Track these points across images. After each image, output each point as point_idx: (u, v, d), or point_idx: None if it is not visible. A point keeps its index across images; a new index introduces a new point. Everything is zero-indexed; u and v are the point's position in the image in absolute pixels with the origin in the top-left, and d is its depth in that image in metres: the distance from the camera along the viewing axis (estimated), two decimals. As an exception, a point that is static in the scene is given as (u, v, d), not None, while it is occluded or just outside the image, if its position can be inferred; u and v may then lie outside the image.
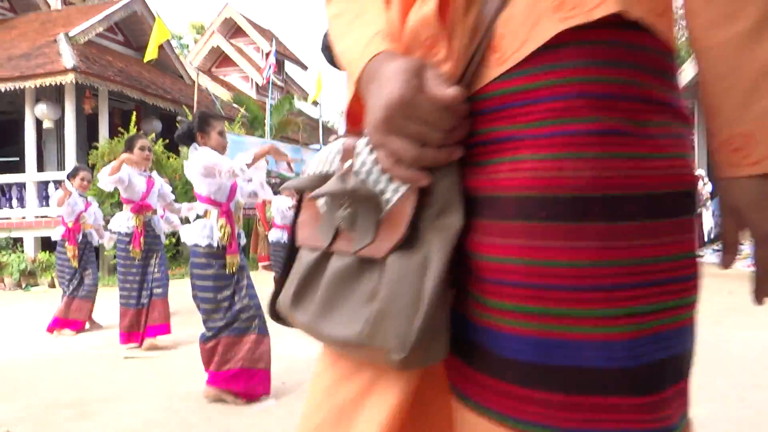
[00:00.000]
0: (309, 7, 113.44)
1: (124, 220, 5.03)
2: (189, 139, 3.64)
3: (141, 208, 5.00)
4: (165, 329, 5.01)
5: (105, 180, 4.83)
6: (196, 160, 3.53)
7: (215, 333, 3.47)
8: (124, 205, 5.12)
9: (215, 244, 3.52)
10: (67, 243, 5.91)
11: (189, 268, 3.66)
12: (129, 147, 5.13)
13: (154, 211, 5.17)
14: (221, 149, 3.61)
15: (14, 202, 12.01)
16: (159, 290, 5.03)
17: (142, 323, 4.95)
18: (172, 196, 5.55)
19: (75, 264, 5.89)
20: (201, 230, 3.53)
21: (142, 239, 4.96)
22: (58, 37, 12.43)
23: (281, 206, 7.66)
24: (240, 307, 3.50)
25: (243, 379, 3.43)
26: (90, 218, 6.16)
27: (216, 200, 3.62)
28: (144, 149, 5.12)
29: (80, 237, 6.00)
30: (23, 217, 11.70)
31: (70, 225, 5.96)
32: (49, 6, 17.13)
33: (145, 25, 15.29)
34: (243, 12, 24.53)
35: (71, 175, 6.24)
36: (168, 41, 15.18)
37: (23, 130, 12.32)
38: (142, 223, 4.98)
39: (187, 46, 46.31)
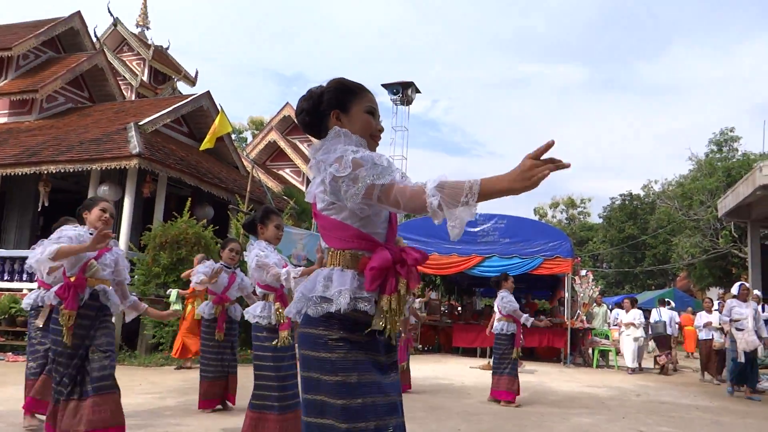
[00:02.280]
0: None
1: (208, 308, 5.81)
2: (252, 228, 4.37)
3: (221, 300, 5.77)
4: (233, 400, 5.85)
5: (197, 282, 5.76)
6: (252, 252, 4.15)
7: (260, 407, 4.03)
8: (208, 296, 5.93)
9: (273, 322, 4.12)
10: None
11: (253, 342, 4.23)
12: (223, 248, 6.00)
13: (232, 302, 5.88)
14: (275, 241, 4.33)
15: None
16: (233, 369, 5.86)
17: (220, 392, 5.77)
18: (251, 288, 5.88)
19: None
20: (261, 311, 4.17)
21: (225, 325, 5.76)
22: (128, 125, 13.31)
23: None
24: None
25: None
26: None
27: (272, 286, 4.16)
28: (233, 251, 5.91)
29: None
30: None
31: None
32: (124, 97, 18.49)
33: (209, 119, 16.22)
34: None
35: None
36: (228, 134, 16.04)
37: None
38: (222, 311, 5.75)
39: (246, 139, 48.80)
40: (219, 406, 5.78)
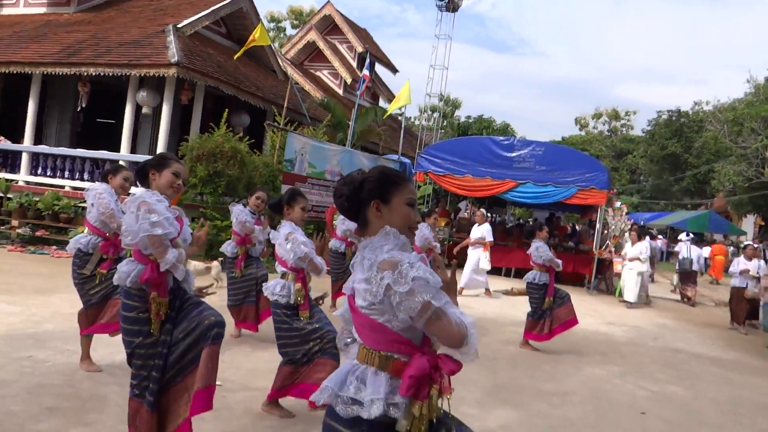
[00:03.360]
0: (405, 10, 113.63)
1: (231, 247, 6.20)
2: (278, 209, 4.32)
3: (243, 242, 6.14)
4: (253, 327, 6.21)
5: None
6: (283, 230, 4.22)
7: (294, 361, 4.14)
8: (232, 235, 6.26)
9: (292, 301, 4.16)
10: None
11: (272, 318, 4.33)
12: (251, 194, 6.33)
13: (253, 243, 6.25)
14: (301, 222, 4.32)
15: (107, 177, 12.81)
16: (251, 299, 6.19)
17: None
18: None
19: None
20: (281, 290, 4.18)
21: (242, 263, 6.18)
22: (166, 28, 13.13)
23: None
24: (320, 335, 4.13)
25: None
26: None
27: (295, 267, 4.21)
28: (259, 199, 6.20)
29: None
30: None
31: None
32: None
33: (247, 21, 15.91)
34: (342, 10, 24.97)
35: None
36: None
37: (123, 110, 13.10)
38: (243, 251, 6.16)
39: (284, 29, 47.66)
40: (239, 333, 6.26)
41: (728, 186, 28.96)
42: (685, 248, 14.49)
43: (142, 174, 3.32)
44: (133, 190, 4.96)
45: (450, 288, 1.89)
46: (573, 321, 7.04)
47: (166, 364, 3.13)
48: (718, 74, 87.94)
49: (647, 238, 16.34)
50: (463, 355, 1.76)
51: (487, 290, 11.55)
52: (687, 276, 14.13)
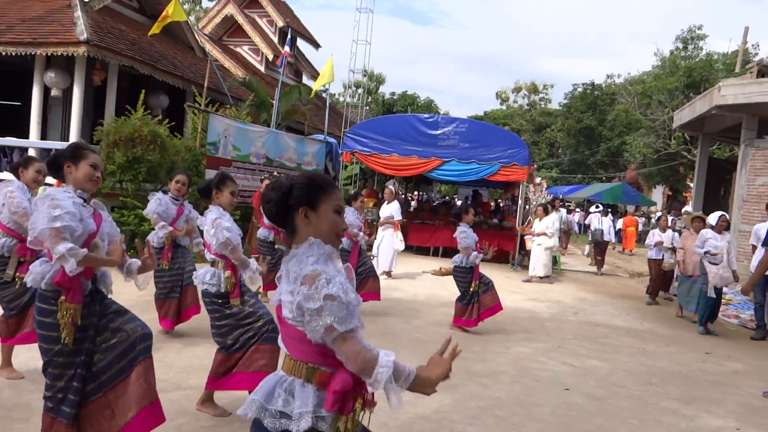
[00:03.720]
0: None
1: (157, 237, 5.93)
2: (206, 193, 4.24)
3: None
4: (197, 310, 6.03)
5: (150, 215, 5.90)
6: (209, 216, 4.13)
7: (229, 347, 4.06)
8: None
9: (222, 290, 4.12)
10: None
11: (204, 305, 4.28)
12: (170, 179, 6.06)
13: (180, 231, 6.06)
14: (230, 207, 4.24)
15: (15, 165, 12.06)
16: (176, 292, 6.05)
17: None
18: (197, 221, 5.97)
19: None
20: (210, 278, 4.13)
21: (170, 253, 5.95)
22: (73, 2, 12.36)
23: None
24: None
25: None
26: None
27: (223, 255, 4.14)
28: (179, 183, 5.96)
29: None
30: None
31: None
32: (66, -37, 16.94)
33: (161, -6, 15.19)
34: (261, -17, 24.22)
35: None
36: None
37: (30, 92, 12.30)
38: (170, 240, 5.93)
39: (200, 2, 45.85)
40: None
41: (639, 158, 30.53)
42: (596, 220, 15.64)
43: (55, 166, 3.10)
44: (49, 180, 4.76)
45: (438, 366, 1.95)
46: (497, 307, 7.29)
47: (86, 374, 2.96)
48: (630, 47, 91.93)
49: (563, 211, 17.18)
50: (370, 387, 1.78)
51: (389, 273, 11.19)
52: (598, 246, 15.23)
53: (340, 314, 1.74)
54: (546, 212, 12.72)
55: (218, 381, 4.10)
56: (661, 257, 10.68)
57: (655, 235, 10.90)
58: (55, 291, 2.94)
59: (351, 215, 7.75)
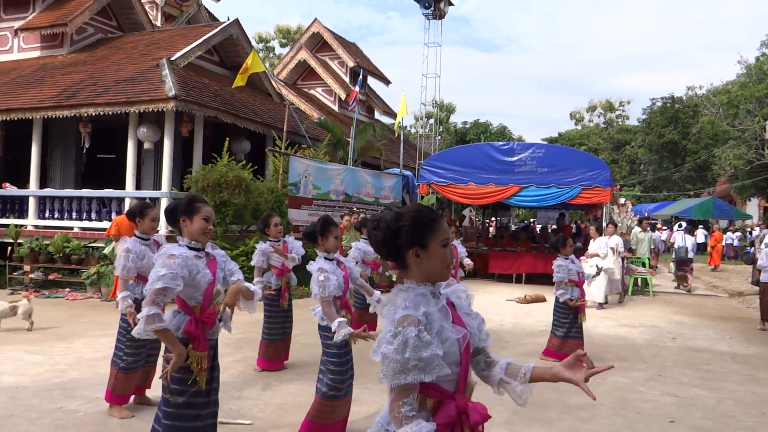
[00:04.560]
0: (390, 18, 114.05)
1: (274, 280, 6.29)
2: (311, 238, 4.45)
3: (282, 272, 6.29)
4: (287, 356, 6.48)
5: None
6: (316, 266, 4.29)
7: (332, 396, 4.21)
8: (271, 269, 6.34)
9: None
10: None
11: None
12: (267, 225, 6.36)
13: (291, 270, 6.41)
14: (335, 250, 4.43)
15: (113, 215, 12.88)
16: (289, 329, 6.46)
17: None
18: (302, 251, 6.56)
19: None
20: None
21: (287, 293, 6.35)
22: (161, 62, 13.24)
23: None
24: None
25: None
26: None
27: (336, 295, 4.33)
28: (277, 226, 6.35)
29: None
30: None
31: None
32: (152, 25, 18.21)
33: (238, 47, 16.03)
34: (329, 26, 25.11)
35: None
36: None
37: (125, 146, 13.17)
38: (286, 282, 6.33)
39: (273, 49, 47.91)
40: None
41: (729, 170, 29.00)
42: (680, 237, 15.57)
43: (172, 219, 3.33)
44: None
45: None
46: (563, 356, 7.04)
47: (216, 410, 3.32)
48: (707, 57, 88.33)
49: (649, 229, 16.60)
50: None
51: None
52: (683, 263, 15.02)
53: (392, 370, 1.78)
54: (599, 232, 12.06)
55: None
56: None
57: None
58: (184, 339, 3.18)
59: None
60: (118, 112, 12.38)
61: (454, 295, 2.05)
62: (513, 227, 23.69)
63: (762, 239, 12.65)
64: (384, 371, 1.80)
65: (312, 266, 4.37)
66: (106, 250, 10.73)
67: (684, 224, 17.93)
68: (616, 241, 11.95)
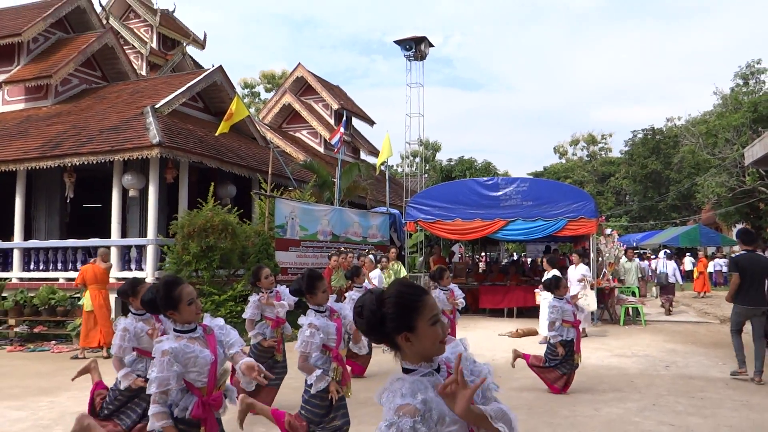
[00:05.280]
0: (373, 61, 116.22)
1: (269, 332, 6.18)
2: (299, 295, 4.50)
3: (277, 323, 6.15)
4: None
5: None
6: (306, 321, 4.28)
7: None
8: (265, 320, 6.24)
9: (331, 379, 4.26)
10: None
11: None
12: (258, 278, 6.25)
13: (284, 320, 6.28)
14: (325, 301, 4.40)
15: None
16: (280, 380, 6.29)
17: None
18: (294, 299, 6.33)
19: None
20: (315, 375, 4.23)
21: (281, 345, 6.22)
22: (145, 110, 13.33)
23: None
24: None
25: None
26: None
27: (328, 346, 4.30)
28: (268, 278, 6.25)
29: None
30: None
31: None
32: (137, 74, 18.38)
33: (223, 93, 16.20)
34: (314, 70, 25.49)
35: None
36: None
37: (110, 194, 13.12)
38: (280, 334, 6.21)
39: (258, 94, 48.50)
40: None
41: (713, 198, 29.35)
42: (662, 263, 16.67)
43: (153, 309, 3.33)
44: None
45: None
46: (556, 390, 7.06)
47: None
48: (685, 88, 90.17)
49: (636, 260, 16.77)
50: None
51: None
52: (664, 288, 16.17)
53: None
54: (552, 264, 11.34)
55: None
56: None
57: None
58: (192, 423, 3.15)
59: (440, 294, 7.64)
60: (103, 160, 12.39)
61: (454, 354, 1.95)
62: (503, 262, 23.72)
63: None
64: None
65: (302, 320, 4.34)
66: (81, 301, 10.67)
67: (667, 251, 18.65)
68: (582, 270, 11.76)
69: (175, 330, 3.15)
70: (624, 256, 15.82)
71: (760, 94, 27.50)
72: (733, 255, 9.40)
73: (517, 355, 7.34)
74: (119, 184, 12.93)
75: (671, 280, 16.16)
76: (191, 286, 3.25)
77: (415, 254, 18.10)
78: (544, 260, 12.08)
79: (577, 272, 11.74)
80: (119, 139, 12.55)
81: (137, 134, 12.51)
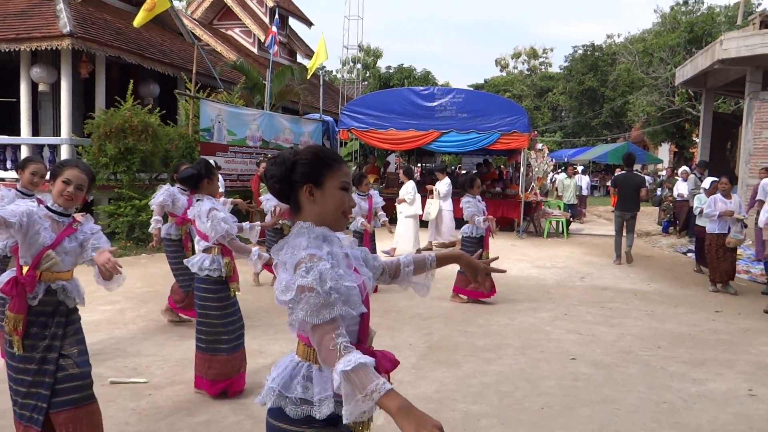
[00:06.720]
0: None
1: (174, 230, 6.03)
2: (194, 183, 4.20)
3: (184, 221, 5.90)
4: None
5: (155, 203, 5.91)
6: (204, 206, 4.15)
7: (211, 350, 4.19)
8: (170, 217, 6.06)
9: (223, 275, 4.23)
10: None
11: (195, 293, 4.32)
12: (176, 172, 5.76)
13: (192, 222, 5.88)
14: (218, 195, 4.36)
15: (8, 163, 11.96)
16: None
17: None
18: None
19: None
20: (210, 264, 4.20)
21: (189, 243, 5.93)
22: (54, -5, 12.11)
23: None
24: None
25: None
26: None
27: (219, 242, 4.19)
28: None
29: None
30: (17, 180, 11.64)
31: None
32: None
33: (145, -19, 14.88)
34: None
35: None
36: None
37: (18, 88, 12.13)
38: (186, 232, 6.02)
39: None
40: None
41: (643, 117, 30.06)
42: (577, 178, 18.33)
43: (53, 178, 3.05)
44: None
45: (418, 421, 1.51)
46: (482, 295, 7.14)
47: (53, 382, 2.89)
48: (629, 6, 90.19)
49: (577, 176, 17.83)
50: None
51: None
52: (579, 200, 18.27)
53: (314, 306, 1.59)
54: (408, 176, 10.98)
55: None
56: (726, 231, 8.20)
57: (717, 202, 8.20)
58: (2, 299, 3.01)
59: (359, 199, 7.50)
60: (7, 50, 11.32)
61: (346, 245, 1.88)
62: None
63: (693, 183, 12.91)
64: (302, 312, 1.59)
65: (196, 209, 4.18)
66: None
67: (582, 167, 22.83)
68: (444, 186, 11.81)
69: (46, 207, 2.98)
70: (564, 173, 16.51)
71: (698, 14, 27.71)
72: (615, 174, 12.62)
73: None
74: (28, 77, 11.92)
75: (585, 192, 19.42)
76: (69, 169, 2.98)
77: (350, 163, 17.85)
78: (401, 171, 12.17)
79: (443, 185, 11.92)
80: (26, 27, 11.44)
81: (46, 22, 11.42)
